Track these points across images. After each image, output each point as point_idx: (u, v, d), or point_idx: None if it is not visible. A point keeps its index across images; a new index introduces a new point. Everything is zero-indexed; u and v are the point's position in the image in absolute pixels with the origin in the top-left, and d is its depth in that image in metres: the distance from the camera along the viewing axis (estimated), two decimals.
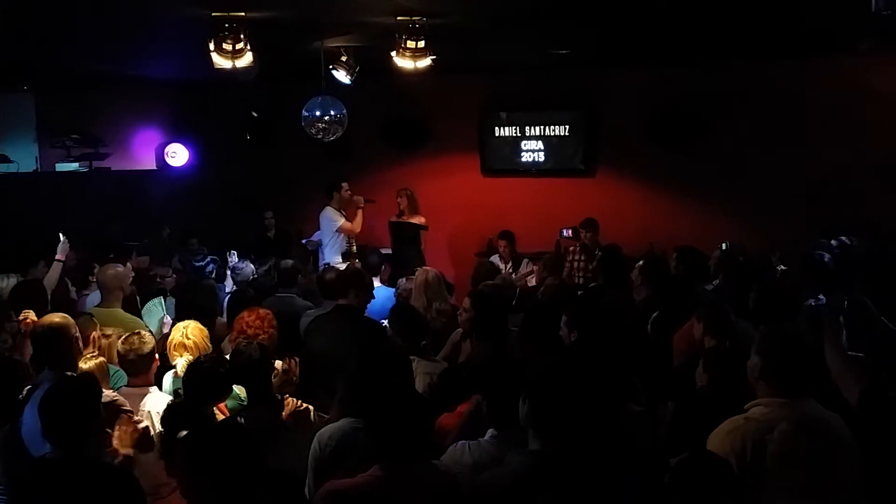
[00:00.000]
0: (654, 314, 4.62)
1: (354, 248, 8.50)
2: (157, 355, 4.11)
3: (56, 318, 3.90)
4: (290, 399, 3.74)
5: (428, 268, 6.05)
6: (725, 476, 2.49)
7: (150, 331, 4.76)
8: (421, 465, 2.77)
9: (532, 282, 7.40)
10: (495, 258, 8.43)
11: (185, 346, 4.25)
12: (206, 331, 4.42)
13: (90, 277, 6.48)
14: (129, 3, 5.14)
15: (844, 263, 5.74)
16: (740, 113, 8.67)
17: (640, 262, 5.72)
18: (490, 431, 3.11)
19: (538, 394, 2.70)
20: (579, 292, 6.05)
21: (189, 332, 4.32)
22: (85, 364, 3.94)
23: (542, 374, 2.77)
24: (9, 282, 5.46)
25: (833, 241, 6.36)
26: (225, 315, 5.52)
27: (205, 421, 3.43)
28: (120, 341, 4.10)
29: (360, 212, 8.47)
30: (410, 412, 2.80)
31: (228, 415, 3.73)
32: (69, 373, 3.74)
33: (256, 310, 4.74)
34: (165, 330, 5.49)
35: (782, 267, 6.21)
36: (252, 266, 6.78)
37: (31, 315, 4.59)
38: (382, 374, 3.32)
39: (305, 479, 3.25)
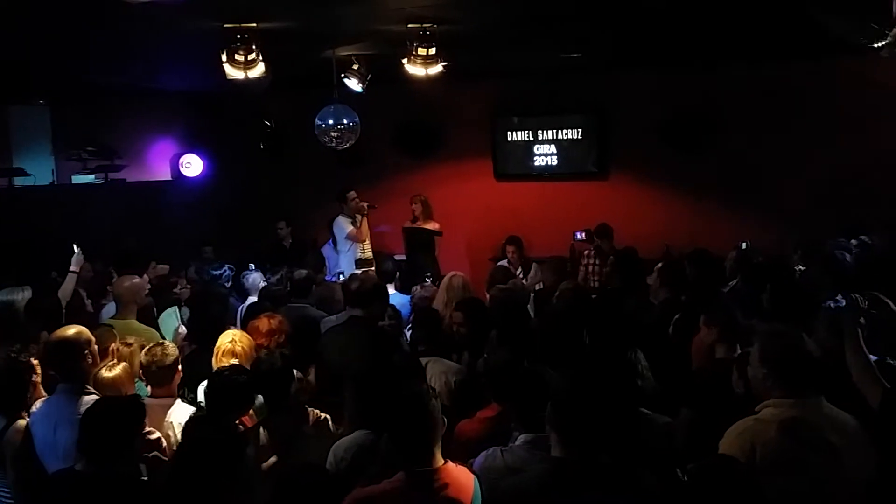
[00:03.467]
0: (676, 317, 4.58)
1: (369, 254, 8.55)
2: (180, 366, 4.11)
3: (69, 330, 3.91)
4: (311, 409, 3.75)
5: (457, 272, 6.06)
6: (748, 482, 2.47)
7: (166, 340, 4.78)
8: (443, 470, 2.76)
9: (538, 286, 7.27)
10: (503, 264, 8.41)
11: (233, 353, 4.23)
12: (252, 340, 4.41)
13: (108, 288, 6.53)
14: (142, 16, 5.16)
15: (864, 263, 5.68)
16: (753, 114, 8.62)
17: (659, 265, 5.70)
18: (522, 437, 3.10)
19: (563, 401, 2.69)
20: (593, 296, 6.02)
21: (238, 339, 4.32)
22: (110, 372, 3.93)
23: (567, 382, 2.75)
24: (24, 294, 5.49)
25: (853, 241, 6.29)
26: (238, 324, 5.54)
27: (226, 433, 3.43)
28: (143, 353, 4.11)
29: (364, 219, 8.55)
30: (422, 419, 2.79)
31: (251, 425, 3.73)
32: (87, 386, 3.76)
33: (268, 315, 4.83)
34: (179, 341, 5.51)
35: (800, 267, 6.15)
36: (259, 273, 6.80)
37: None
38: (391, 384, 3.31)
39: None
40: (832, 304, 3.77)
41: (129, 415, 3.13)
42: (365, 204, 8.60)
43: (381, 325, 5.17)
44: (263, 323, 4.74)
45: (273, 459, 3.52)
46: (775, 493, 2.70)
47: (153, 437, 3.52)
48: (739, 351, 3.92)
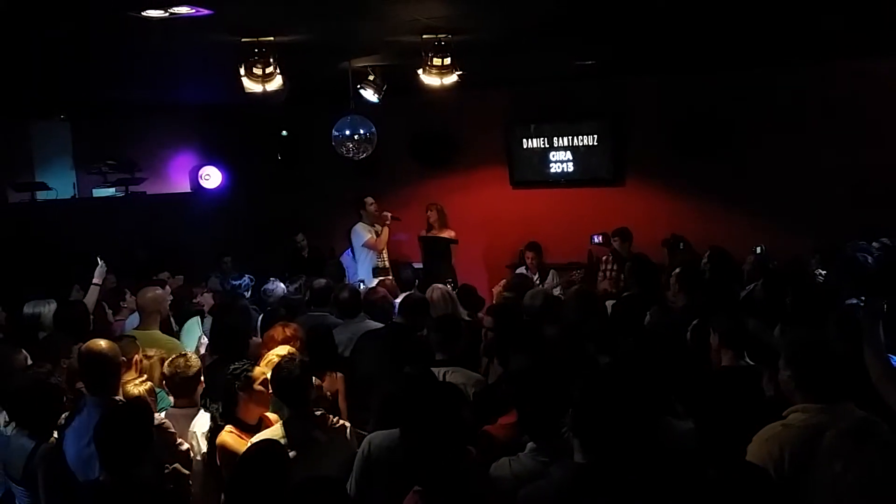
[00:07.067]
0: (694, 322, 4.57)
1: (386, 263, 8.59)
2: (202, 377, 4.16)
3: (102, 343, 3.95)
4: (329, 416, 3.78)
5: (436, 285, 6.06)
6: (767, 487, 2.46)
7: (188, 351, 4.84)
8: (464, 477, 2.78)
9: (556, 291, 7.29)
10: (522, 270, 8.45)
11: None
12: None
13: (122, 303, 6.62)
14: (161, 32, 5.24)
15: (885, 266, 5.63)
16: (769, 117, 8.58)
17: (678, 270, 5.66)
18: (529, 444, 3.11)
19: (584, 406, 2.69)
20: (608, 301, 5.99)
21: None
22: (135, 389, 3.99)
23: (588, 386, 2.75)
24: (49, 307, 5.57)
25: (874, 244, 6.24)
26: (260, 335, 5.59)
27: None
28: (166, 364, 4.16)
29: (385, 228, 8.60)
30: (444, 430, 2.80)
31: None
32: (117, 398, 3.80)
33: (282, 324, 4.90)
34: (202, 350, 5.58)
35: (821, 271, 6.11)
36: (283, 286, 6.86)
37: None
38: (419, 393, 3.33)
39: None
40: (848, 304, 3.75)
41: (138, 419, 3.17)
42: (388, 214, 8.64)
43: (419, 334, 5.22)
44: (278, 331, 4.81)
45: (292, 454, 3.56)
46: (822, 493, 2.68)
47: (183, 448, 3.56)
48: (748, 360, 3.91)
